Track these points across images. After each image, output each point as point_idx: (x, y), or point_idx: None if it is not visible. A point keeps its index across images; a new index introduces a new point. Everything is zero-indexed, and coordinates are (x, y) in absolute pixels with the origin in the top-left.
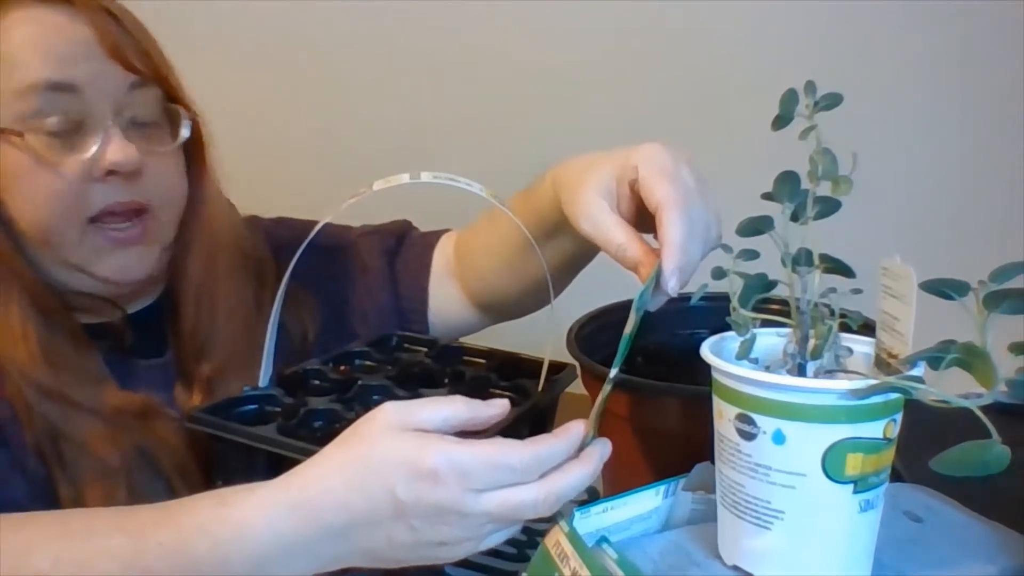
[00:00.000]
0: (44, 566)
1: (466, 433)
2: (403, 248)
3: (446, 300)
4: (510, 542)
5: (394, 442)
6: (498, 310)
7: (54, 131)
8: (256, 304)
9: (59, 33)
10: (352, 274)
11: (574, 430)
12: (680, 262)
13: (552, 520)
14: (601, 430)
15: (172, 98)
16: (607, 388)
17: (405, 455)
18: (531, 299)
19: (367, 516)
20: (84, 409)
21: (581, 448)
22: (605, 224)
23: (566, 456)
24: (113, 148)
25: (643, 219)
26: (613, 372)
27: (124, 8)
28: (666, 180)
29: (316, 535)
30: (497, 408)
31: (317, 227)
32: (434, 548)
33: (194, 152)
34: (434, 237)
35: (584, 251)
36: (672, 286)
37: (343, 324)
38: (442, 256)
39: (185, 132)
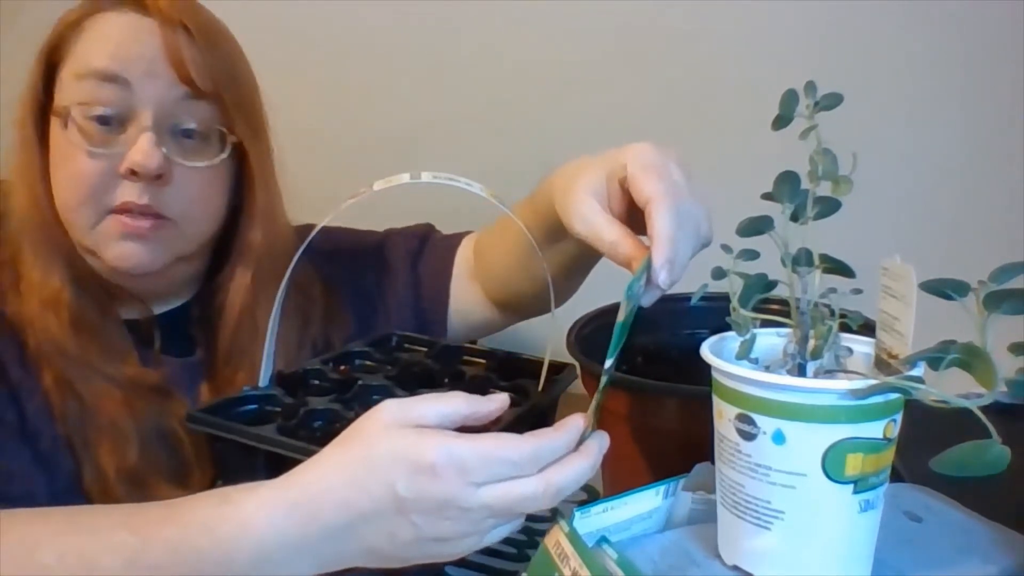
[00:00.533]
0: (49, 561)
1: (466, 430)
2: (426, 249)
3: (468, 300)
4: (510, 542)
5: (393, 439)
6: (517, 308)
7: (99, 119)
8: (303, 320)
9: (129, 34)
10: (380, 276)
11: (573, 423)
12: (669, 255)
13: (552, 518)
14: (601, 430)
15: (224, 119)
16: (604, 380)
17: (404, 451)
18: (548, 296)
19: (369, 514)
20: (103, 375)
21: (580, 441)
22: (597, 223)
23: (566, 449)
24: (138, 149)
25: (636, 218)
26: (609, 362)
27: (210, 28)
28: (654, 176)
29: (317, 534)
30: (496, 403)
31: (316, 229)
32: (436, 544)
33: (242, 174)
34: (456, 239)
35: (588, 252)
36: (663, 279)
37: (371, 327)
38: (463, 258)
39: (223, 154)
